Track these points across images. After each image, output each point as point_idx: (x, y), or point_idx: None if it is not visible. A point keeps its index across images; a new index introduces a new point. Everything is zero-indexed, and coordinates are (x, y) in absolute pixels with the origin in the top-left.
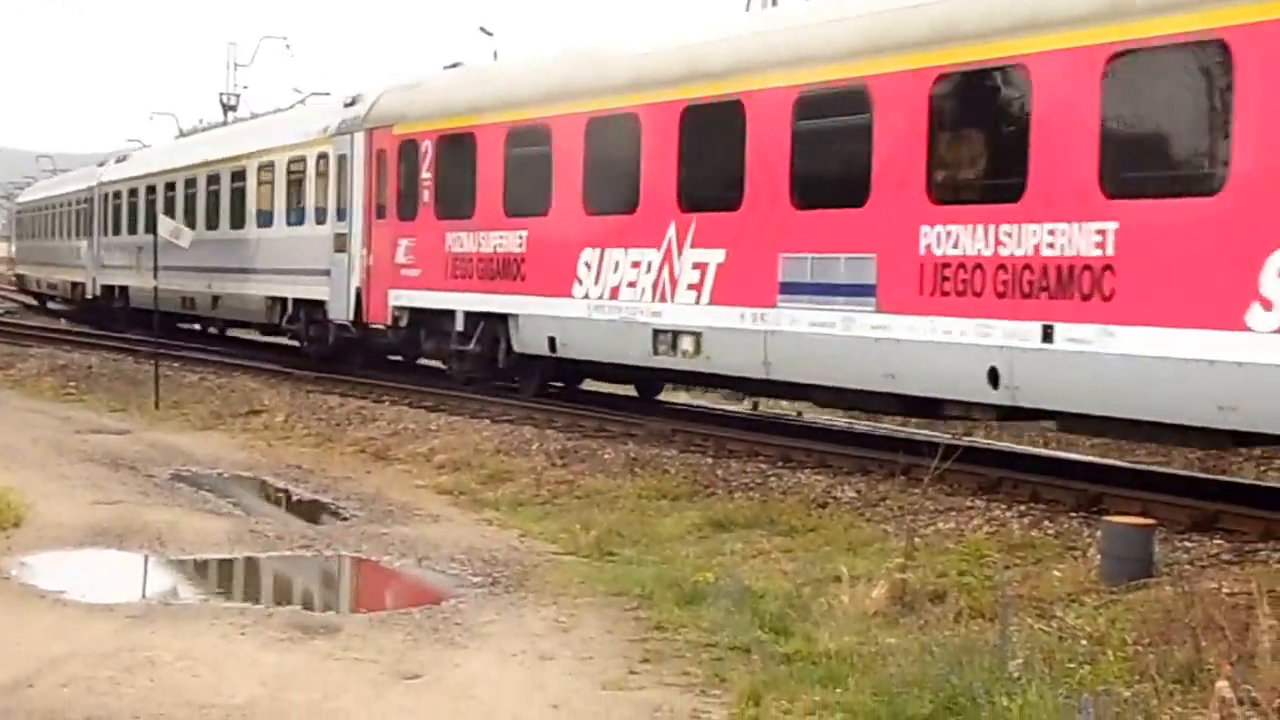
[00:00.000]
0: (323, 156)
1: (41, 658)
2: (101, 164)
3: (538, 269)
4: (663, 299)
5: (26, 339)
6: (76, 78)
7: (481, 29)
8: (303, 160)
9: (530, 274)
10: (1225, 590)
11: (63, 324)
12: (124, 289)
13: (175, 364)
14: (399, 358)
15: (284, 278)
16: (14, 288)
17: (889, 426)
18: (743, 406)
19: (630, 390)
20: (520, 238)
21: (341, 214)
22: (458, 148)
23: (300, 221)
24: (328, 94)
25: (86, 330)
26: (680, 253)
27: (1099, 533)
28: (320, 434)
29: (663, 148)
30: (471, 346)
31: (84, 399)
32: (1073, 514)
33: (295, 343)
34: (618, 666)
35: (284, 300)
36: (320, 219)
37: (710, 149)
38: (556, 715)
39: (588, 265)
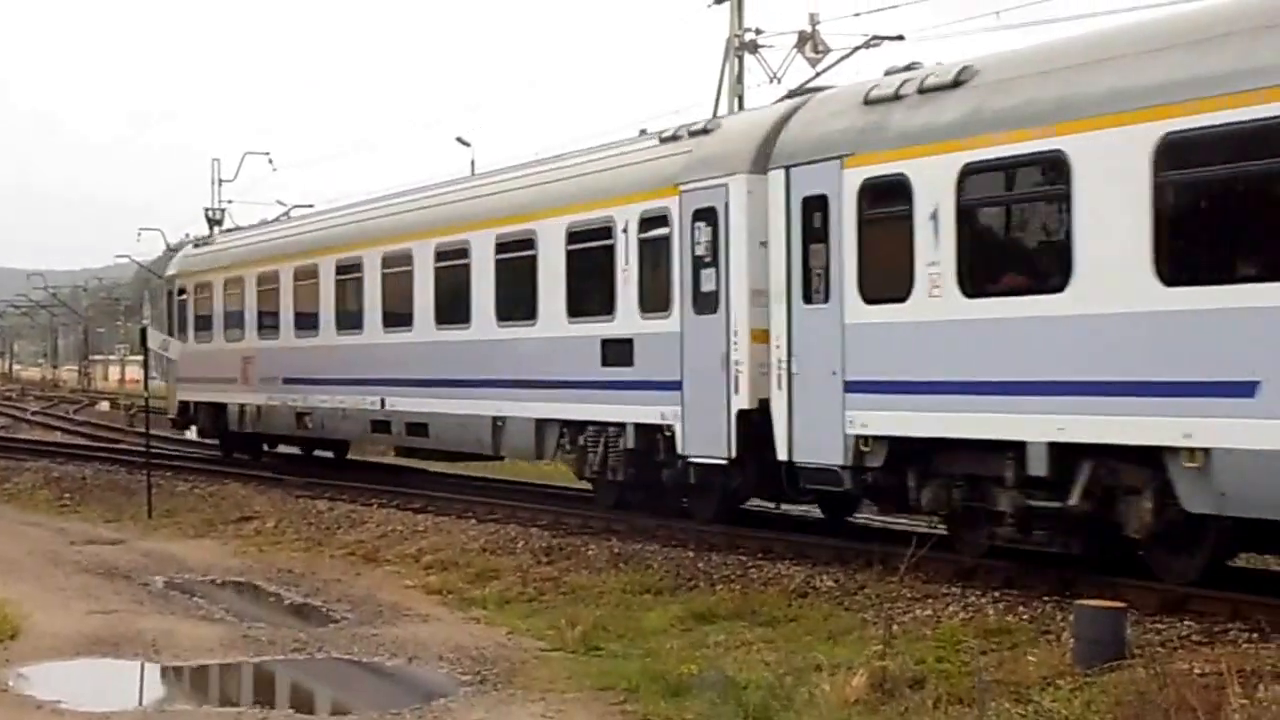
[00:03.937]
0: None
1: None
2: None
3: None
4: None
5: (21, 453)
6: (59, 197)
7: (458, 139)
8: None
9: None
10: (1196, 670)
11: (58, 437)
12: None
13: (167, 473)
14: None
15: None
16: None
17: (865, 517)
18: None
19: None
20: None
21: None
22: None
23: None
24: (310, 205)
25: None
26: None
27: (1072, 616)
28: (310, 538)
29: None
30: None
31: (79, 510)
32: (1046, 599)
33: None
34: None
35: None
36: None
37: None
38: None
39: None
